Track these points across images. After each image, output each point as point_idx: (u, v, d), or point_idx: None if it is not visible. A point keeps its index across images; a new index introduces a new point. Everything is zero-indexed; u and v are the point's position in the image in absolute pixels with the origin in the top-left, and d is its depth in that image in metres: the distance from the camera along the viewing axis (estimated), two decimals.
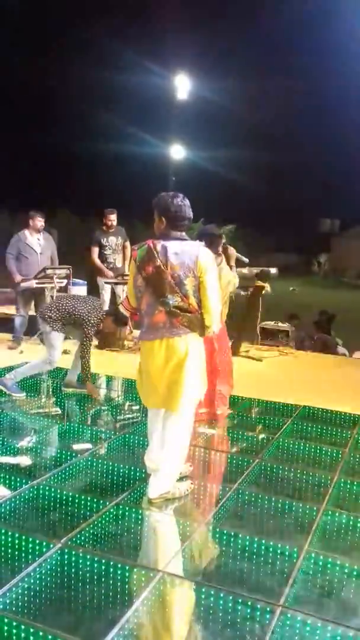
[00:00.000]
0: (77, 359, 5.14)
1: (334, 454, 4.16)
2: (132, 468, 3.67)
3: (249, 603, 2.43)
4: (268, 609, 2.40)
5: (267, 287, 7.57)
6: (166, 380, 3.13)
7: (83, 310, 4.90)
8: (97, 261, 7.61)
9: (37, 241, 6.95)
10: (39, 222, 6.94)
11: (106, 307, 7.86)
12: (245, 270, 7.56)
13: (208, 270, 3.07)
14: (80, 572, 2.61)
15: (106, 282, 7.68)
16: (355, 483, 3.69)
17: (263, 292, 7.53)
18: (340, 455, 4.13)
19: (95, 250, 7.62)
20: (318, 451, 4.24)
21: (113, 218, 7.61)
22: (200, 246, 3.11)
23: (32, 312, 7.22)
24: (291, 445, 4.39)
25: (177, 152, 19.23)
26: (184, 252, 3.05)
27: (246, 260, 5.16)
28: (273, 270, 7.58)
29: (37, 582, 2.52)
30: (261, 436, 4.51)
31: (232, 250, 4.97)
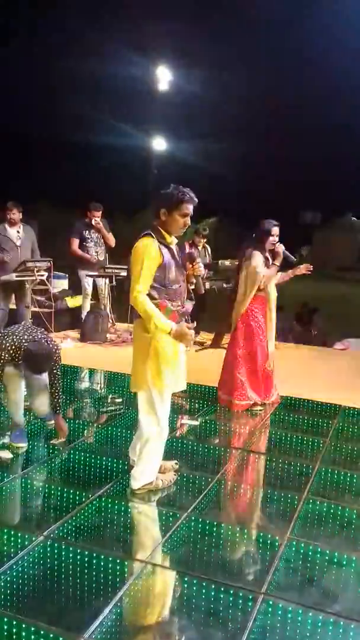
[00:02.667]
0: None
1: (316, 444, 4.21)
2: (115, 460, 3.67)
3: (231, 591, 2.46)
4: (250, 596, 2.43)
5: None
6: None
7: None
8: (78, 251, 7.55)
9: (16, 233, 6.86)
10: (16, 214, 6.84)
11: (88, 301, 7.82)
12: (227, 262, 7.58)
13: (132, 258, 3.11)
14: (63, 564, 2.61)
15: (88, 275, 7.63)
16: (336, 472, 3.73)
17: None
18: (321, 445, 4.18)
19: (76, 242, 7.56)
20: (300, 441, 4.28)
21: (98, 215, 7.55)
22: (142, 236, 3.12)
23: (12, 306, 7.16)
24: (273, 435, 4.43)
25: (159, 144, 19.16)
26: None
27: (293, 259, 5.01)
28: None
29: (20, 574, 2.51)
30: (243, 426, 4.54)
31: (279, 248, 4.85)
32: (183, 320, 3.22)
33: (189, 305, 3.24)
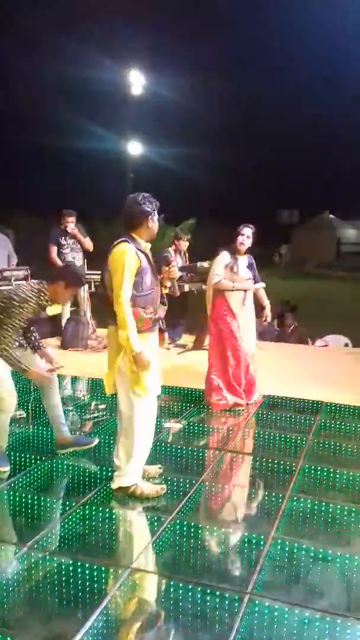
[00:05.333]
0: (52, 408, 3.85)
1: (298, 441, 4.23)
2: (98, 467, 3.65)
3: (217, 593, 2.46)
4: (236, 597, 2.43)
5: None
6: None
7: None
8: (57, 260, 7.50)
9: None
10: None
11: (67, 308, 7.76)
12: (205, 264, 7.59)
13: (112, 265, 3.11)
14: (48, 575, 2.59)
15: None
16: (319, 468, 3.76)
17: None
18: (304, 442, 4.20)
19: (54, 250, 7.51)
20: (283, 439, 4.30)
21: (71, 221, 7.50)
22: (118, 242, 3.14)
23: None
24: (256, 434, 4.45)
25: (134, 148, 19.15)
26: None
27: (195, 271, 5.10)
28: None
29: (4, 587, 2.48)
30: (226, 427, 4.55)
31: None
32: (157, 325, 3.24)
33: (162, 312, 3.26)
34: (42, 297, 3.43)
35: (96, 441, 3.87)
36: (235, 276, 4.82)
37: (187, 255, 7.96)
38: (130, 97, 17.45)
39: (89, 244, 7.60)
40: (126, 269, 3.05)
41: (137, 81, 17.17)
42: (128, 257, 3.07)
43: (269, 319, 5.23)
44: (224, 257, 4.84)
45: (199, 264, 7.65)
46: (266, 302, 5.15)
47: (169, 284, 3.45)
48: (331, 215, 43.29)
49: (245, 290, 4.87)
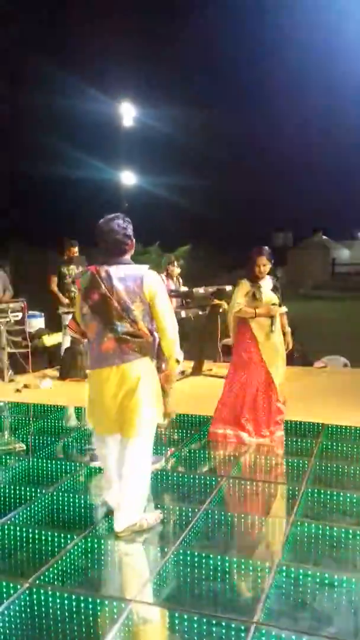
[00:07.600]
0: None
1: (301, 465, 4.20)
2: (99, 498, 3.61)
3: (223, 623, 2.42)
4: (242, 627, 2.39)
5: (224, 304, 7.64)
6: (120, 406, 3.07)
7: None
8: (56, 290, 7.56)
9: None
10: None
11: (68, 337, 7.77)
12: (201, 290, 7.64)
13: (156, 293, 3.01)
14: (51, 611, 2.54)
15: (66, 313, 7.61)
16: (322, 492, 3.72)
17: (220, 310, 7.61)
18: (306, 465, 4.17)
19: (54, 280, 7.58)
20: (285, 463, 4.27)
21: (76, 250, 7.62)
22: (145, 269, 3.06)
23: None
24: (257, 459, 4.41)
25: (128, 178, 19.46)
26: (128, 277, 3.00)
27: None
28: (228, 288, 7.67)
29: (7, 624, 2.44)
30: (227, 453, 4.52)
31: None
32: None
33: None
34: None
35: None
36: (258, 303, 4.65)
37: (179, 280, 8.02)
38: (123, 128, 17.82)
39: None
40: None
41: (128, 113, 17.57)
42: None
43: (289, 346, 4.93)
44: (243, 285, 4.68)
45: (194, 289, 7.70)
46: (287, 330, 4.90)
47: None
48: (324, 237, 43.66)
49: (272, 317, 4.67)
